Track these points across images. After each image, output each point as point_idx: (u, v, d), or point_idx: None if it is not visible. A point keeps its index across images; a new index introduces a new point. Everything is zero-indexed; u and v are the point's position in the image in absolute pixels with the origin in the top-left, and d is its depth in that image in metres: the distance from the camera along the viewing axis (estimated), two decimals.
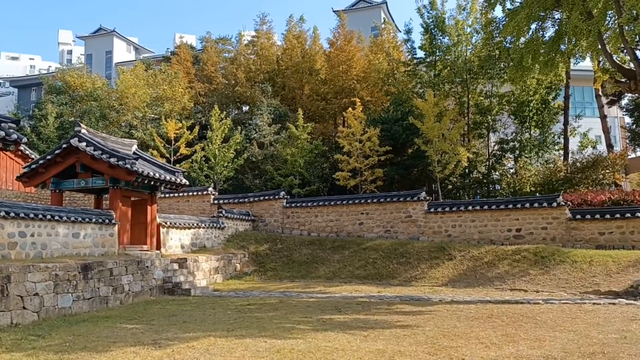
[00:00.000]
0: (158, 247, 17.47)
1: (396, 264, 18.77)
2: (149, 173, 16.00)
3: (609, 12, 15.63)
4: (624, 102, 34.16)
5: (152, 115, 35.04)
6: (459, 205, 21.11)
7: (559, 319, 10.48)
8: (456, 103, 29.31)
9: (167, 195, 24.82)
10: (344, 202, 22.97)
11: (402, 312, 11.72)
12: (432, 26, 29.16)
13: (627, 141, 35.24)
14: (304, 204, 23.88)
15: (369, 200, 22.53)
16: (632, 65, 14.84)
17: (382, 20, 46.73)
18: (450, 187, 28.80)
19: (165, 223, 18.24)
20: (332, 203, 23.27)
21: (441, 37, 29.13)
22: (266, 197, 24.60)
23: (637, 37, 14.28)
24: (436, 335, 8.85)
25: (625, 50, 15.45)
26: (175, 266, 16.55)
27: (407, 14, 65.64)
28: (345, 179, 26.50)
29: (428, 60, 30.25)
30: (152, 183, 16.51)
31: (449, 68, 29.03)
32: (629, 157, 28.91)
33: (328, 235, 22.73)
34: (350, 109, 28.01)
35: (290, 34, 38.06)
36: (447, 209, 20.97)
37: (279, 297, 14.77)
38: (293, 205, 24.07)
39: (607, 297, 13.83)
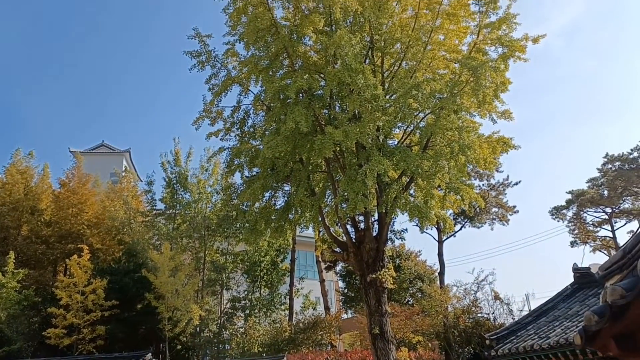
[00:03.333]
0: None
1: None
2: None
3: (328, 192, 18.44)
4: (338, 268, 39.01)
5: None
6: None
7: None
8: (193, 258, 29.25)
9: None
10: None
11: None
12: (174, 181, 29.78)
13: (341, 303, 39.61)
14: None
15: None
16: (344, 238, 17.31)
17: (124, 168, 45.89)
18: (179, 347, 27.20)
19: None
20: None
21: (183, 193, 29.77)
22: None
23: (348, 215, 16.90)
24: None
25: (339, 225, 18.04)
26: None
27: (151, 164, 66.79)
28: (58, 337, 22.73)
29: (168, 212, 30.21)
30: None
31: (188, 223, 29.37)
32: (342, 318, 32.26)
33: None
34: (75, 256, 25.19)
35: (13, 168, 33.75)
36: None
37: None
38: None
39: None
